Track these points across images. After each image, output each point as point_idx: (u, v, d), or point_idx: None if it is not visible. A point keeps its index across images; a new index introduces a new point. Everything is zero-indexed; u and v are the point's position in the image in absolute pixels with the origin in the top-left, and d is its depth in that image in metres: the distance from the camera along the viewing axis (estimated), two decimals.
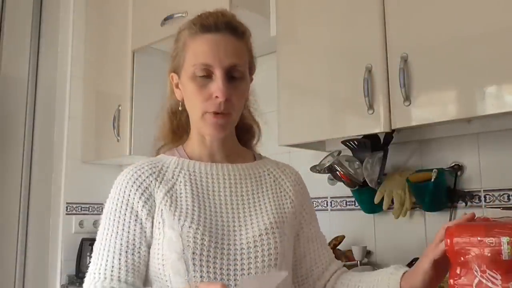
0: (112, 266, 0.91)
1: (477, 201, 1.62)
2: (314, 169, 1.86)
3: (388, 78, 1.48)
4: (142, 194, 0.95)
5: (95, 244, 0.96)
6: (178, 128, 1.08)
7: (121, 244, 0.93)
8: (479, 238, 1.08)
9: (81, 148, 2.59)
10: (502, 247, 0.98)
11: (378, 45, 1.51)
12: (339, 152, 1.82)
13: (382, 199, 1.74)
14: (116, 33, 2.44)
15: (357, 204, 1.90)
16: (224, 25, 0.97)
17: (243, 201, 1.00)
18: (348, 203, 1.94)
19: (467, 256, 1.08)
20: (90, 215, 2.57)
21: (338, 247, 1.88)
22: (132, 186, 0.96)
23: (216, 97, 0.93)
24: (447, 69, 1.37)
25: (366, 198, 1.82)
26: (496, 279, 1.00)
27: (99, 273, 0.91)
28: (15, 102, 2.48)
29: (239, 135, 1.11)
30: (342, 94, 1.60)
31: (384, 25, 1.51)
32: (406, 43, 1.45)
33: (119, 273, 0.91)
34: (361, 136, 1.70)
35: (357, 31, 1.57)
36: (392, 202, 1.73)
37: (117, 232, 0.93)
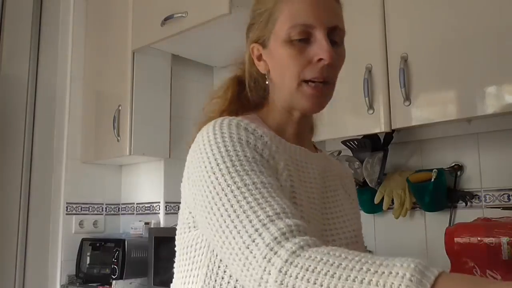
0: (291, 207, 0.66)
1: (477, 201, 1.62)
2: None
3: (388, 78, 1.48)
4: (264, 147, 0.75)
5: (223, 210, 0.66)
6: (239, 100, 0.90)
7: (272, 185, 0.68)
8: (479, 238, 1.08)
9: (81, 148, 2.59)
10: (502, 247, 0.98)
11: (378, 45, 1.51)
12: (339, 152, 1.82)
13: (382, 199, 1.74)
14: (116, 33, 2.44)
15: None
16: None
17: (328, 198, 0.87)
18: None
19: (467, 256, 1.08)
20: (90, 215, 2.57)
21: None
22: (254, 138, 0.75)
23: (319, 60, 0.79)
24: (447, 69, 1.37)
25: (366, 198, 1.82)
26: (496, 279, 1.00)
27: (283, 213, 0.63)
28: (15, 102, 2.48)
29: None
30: (342, 94, 1.60)
31: (384, 25, 1.51)
32: (406, 43, 1.45)
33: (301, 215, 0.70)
34: (361, 136, 1.70)
35: (357, 31, 1.57)
36: (392, 202, 1.73)
37: (260, 172, 0.69)
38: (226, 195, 0.66)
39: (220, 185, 0.67)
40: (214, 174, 0.69)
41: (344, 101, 1.60)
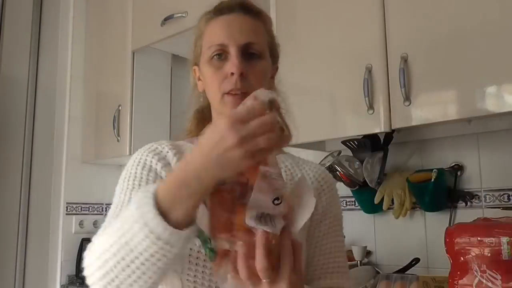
0: None
1: (477, 201, 1.62)
2: None
3: (388, 78, 1.48)
4: (159, 160, 0.90)
5: (112, 206, 0.89)
6: (201, 122, 1.03)
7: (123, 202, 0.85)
8: (479, 238, 1.08)
9: (81, 148, 2.59)
10: (502, 247, 0.98)
11: (378, 45, 1.51)
12: (339, 152, 1.82)
13: (382, 199, 1.74)
14: (116, 33, 2.44)
15: (357, 204, 1.90)
16: (237, 6, 0.94)
17: None
18: (348, 203, 1.94)
19: (467, 256, 1.08)
20: (90, 215, 2.57)
21: None
22: (152, 155, 0.91)
23: (232, 74, 0.88)
24: (447, 69, 1.37)
25: (366, 198, 1.82)
26: (496, 279, 1.00)
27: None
28: (15, 102, 2.48)
29: None
30: (342, 94, 1.60)
31: (384, 25, 1.51)
32: (406, 43, 1.45)
33: None
34: (361, 136, 1.70)
35: (357, 31, 1.57)
36: (392, 202, 1.73)
37: (134, 187, 0.87)
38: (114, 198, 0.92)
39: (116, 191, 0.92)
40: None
41: (344, 101, 1.59)
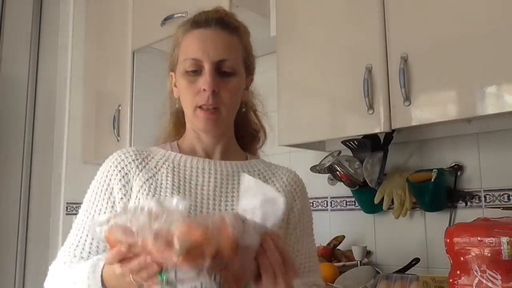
0: (83, 246, 0.93)
1: (477, 201, 1.62)
2: (314, 169, 1.86)
3: (388, 78, 1.48)
4: (120, 179, 0.96)
5: (74, 221, 0.99)
6: (177, 127, 1.09)
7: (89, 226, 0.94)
8: (479, 238, 1.08)
9: (81, 148, 2.59)
10: (502, 247, 0.98)
11: (378, 45, 1.51)
12: (339, 152, 1.82)
13: (382, 199, 1.74)
14: (116, 33, 2.44)
15: (357, 204, 1.90)
16: (214, 20, 0.97)
17: (227, 198, 0.97)
18: (348, 203, 1.94)
19: (467, 256, 1.08)
20: None
21: (338, 247, 1.88)
22: (114, 170, 0.98)
23: (204, 90, 0.93)
24: (447, 69, 1.37)
25: (366, 198, 1.82)
26: (496, 279, 1.00)
27: (69, 252, 0.94)
28: (15, 102, 2.48)
29: (243, 136, 1.10)
30: (342, 94, 1.60)
31: (384, 25, 1.51)
32: (406, 43, 1.45)
33: (82, 253, 0.93)
34: (361, 136, 1.70)
35: (357, 31, 1.57)
36: (392, 202, 1.73)
37: (90, 213, 0.96)
38: (79, 212, 1.02)
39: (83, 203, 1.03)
40: None
41: (344, 101, 1.60)
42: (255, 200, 0.68)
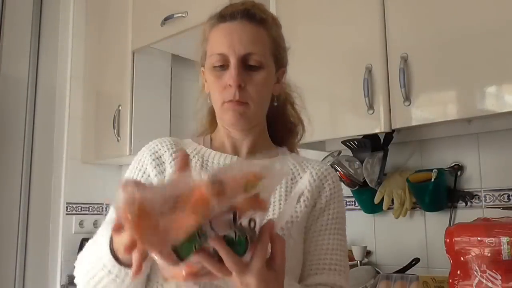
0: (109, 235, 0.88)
1: (477, 201, 1.62)
2: None
3: (388, 78, 1.48)
4: (157, 165, 0.96)
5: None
6: (213, 122, 1.07)
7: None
8: (479, 238, 1.08)
9: (81, 148, 2.59)
10: (502, 247, 0.98)
11: (378, 45, 1.51)
12: (339, 152, 1.82)
13: (382, 199, 1.74)
14: (116, 33, 2.44)
15: (357, 204, 1.90)
16: (240, 13, 0.94)
17: None
18: (348, 203, 1.94)
19: (467, 256, 1.08)
20: (90, 215, 2.57)
21: None
22: (150, 156, 0.97)
23: (230, 85, 0.91)
24: (447, 69, 1.37)
25: (366, 198, 1.82)
26: (496, 279, 1.00)
27: (94, 241, 0.88)
28: (15, 102, 2.48)
29: (278, 131, 1.07)
30: (342, 94, 1.60)
31: (384, 25, 1.51)
32: (406, 43, 1.45)
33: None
34: (361, 136, 1.70)
35: (357, 31, 1.57)
36: (392, 202, 1.73)
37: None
38: None
39: None
40: None
41: (344, 101, 1.60)
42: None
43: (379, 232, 1.86)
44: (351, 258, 1.82)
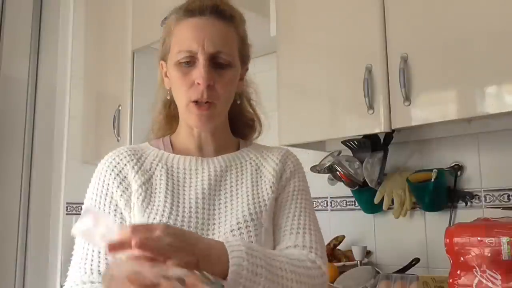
0: (92, 258, 0.89)
1: (477, 201, 1.62)
2: (314, 169, 1.86)
3: (388, 78, 1.48)
4: (120, 182, 0.93)
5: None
6: (169, 119, 1.04)
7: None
8: (479, 238, 1.08)
9: (81, 148, 2.59)
10: (502, 247, 0.98)
11: (378, 45, 1.51)
12: (339, 152, 1.83)
13: (382, 199, 1.74)
14: (116, 33, 2.44)
15: (357, 204, 1.90)
16: (209, 9, 0.92)
17: (220, 196, 0.94)
18: (348, 203, 1.94)
19: (467, 256, 1.08)
20: None
21: (338, 247, 1.88)
22: (110, 174, 0.95)
23: (198, 84, 0.89)
24: (447, 69, 1.37)
25: (366, 198, 1.82)
26: (496, 279, 1.00)
27: (79, 268, 0.89)
28: (15, 102, 2.48)
29: (238, 128, 1.07)
30: (342, 94, 1.60)
31: (384, 25, 1.51)
32: (406, 43, 1.45)
33: (91, 265, 0.89)
34: (361, 136, 1.70)
35: (357, 31, 1.57)
36: (392, 202, 1.73)
37: None
38: None
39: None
40: None
41: (344, 101, 1.60)
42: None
43: (379, 232, 1.86)
44: (351, 258, 1.82)
